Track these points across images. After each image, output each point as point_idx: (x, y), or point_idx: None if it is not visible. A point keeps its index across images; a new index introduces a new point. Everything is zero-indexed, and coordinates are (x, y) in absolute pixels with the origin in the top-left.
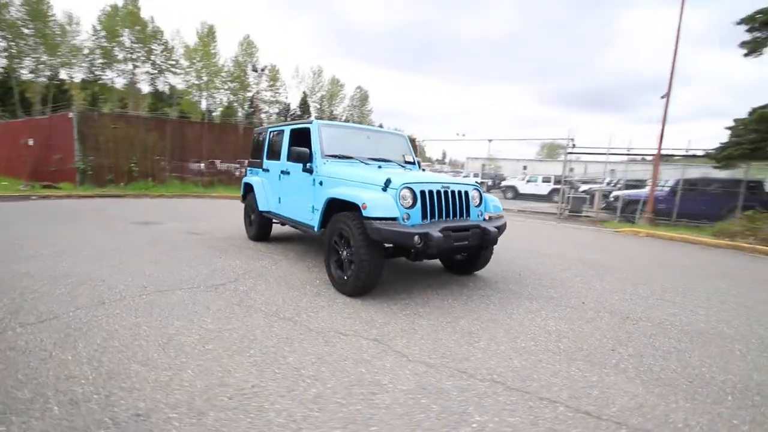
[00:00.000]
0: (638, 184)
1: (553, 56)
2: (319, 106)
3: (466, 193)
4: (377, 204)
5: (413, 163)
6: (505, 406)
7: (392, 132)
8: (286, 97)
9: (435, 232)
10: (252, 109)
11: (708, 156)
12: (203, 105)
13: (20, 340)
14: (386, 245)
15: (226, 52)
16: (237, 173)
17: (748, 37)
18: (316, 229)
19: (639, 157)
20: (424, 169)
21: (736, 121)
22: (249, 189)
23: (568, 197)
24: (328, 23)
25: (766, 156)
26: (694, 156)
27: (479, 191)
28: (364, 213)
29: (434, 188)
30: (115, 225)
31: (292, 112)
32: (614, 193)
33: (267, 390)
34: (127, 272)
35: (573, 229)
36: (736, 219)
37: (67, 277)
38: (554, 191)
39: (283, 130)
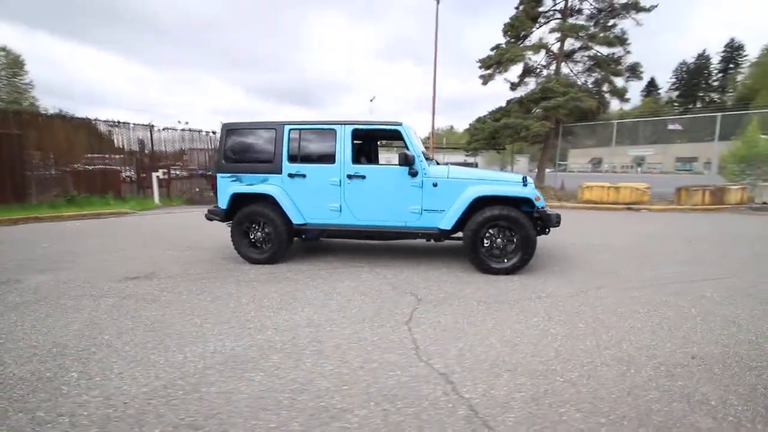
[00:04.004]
0: None
1: (258, 48)
2: None
3: None
4: (540, 197)
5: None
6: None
7: None
8: None
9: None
10: None
11: (463, 148)
12: None
13: None
14: None
15: None
16: None
17: (482, 72)
18: (445, 228)
19: None
20: None
21: (472, 125)
22: (242, 202)
23: None
24: None
25: (492, 148)
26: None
27: None
28: (538, 204)
29: None
30: None
31: None
32: None
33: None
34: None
35: None
36: None
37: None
38: None
39: (333, 129)
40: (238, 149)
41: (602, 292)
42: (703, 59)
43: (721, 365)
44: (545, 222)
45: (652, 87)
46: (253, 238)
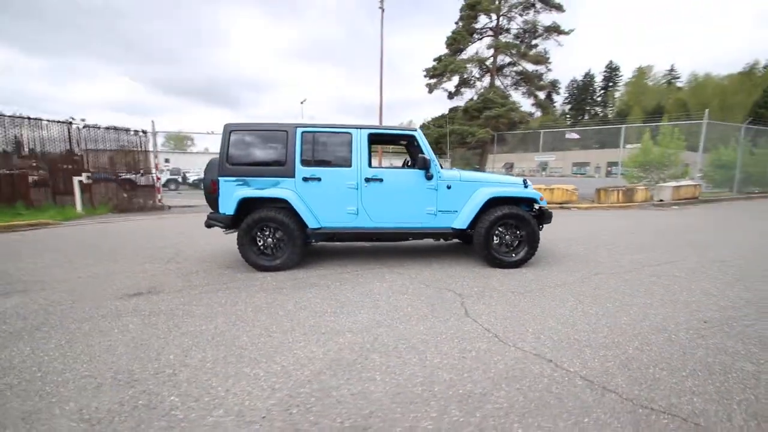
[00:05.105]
0: None
1: (165, 41)
2: None
3: None
4: (543, 197)
5: None
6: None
7: None
8: None
9: None
10: None
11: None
12: None
13: None
14: None
15: None
16: None
17: (428, 81)
18: (460, 227)
19: None
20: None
21: None
22: (248, 207)
23: None
24: None
25: (435, 153)
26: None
27: None
28: (542, 203)
29: None
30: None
31: None
32: None
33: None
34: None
35: None
36: None
37: None
38: None
39: (348, 133)
40: (243, 152)
41: (601, 278)
42: (588, 77)
43: (727, 326)
44: (543, 219)
45: (548, 100)
46: (263, 244)
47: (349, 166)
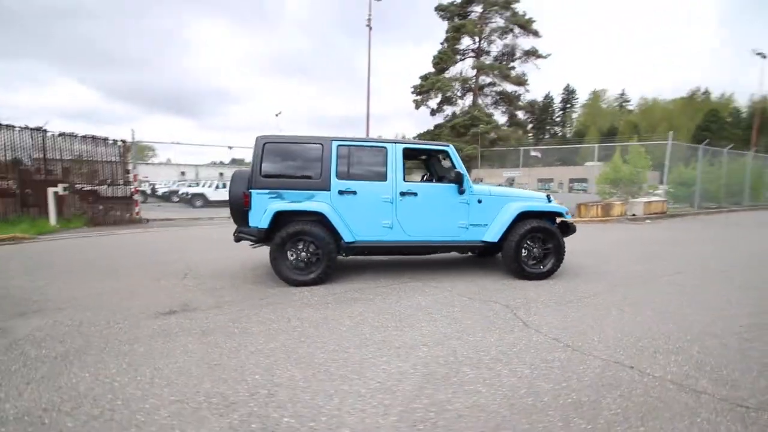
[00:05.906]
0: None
1: (123, 47)
2: None
3: None
4: (569, 210)
5: None
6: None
7: None
8: None
9: None
10: None
11: None
12: None
13: None
14: None
15: None
16: None
17: (415, 97)
18: (491, 240)
19: None
20: None
21: None
22: (279, 221)
23: None
24: None
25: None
26: None
27: None
28: (567, 217)
29: None
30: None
31: None
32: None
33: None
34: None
35: None
36: None
37: None
38: None
39: (383, 148)
40: (277, 164)
41: (627, 288)
42: (548, 99)
43: (766, 328)
44: (567, 232)
45: (523, 119)
46: (296, 258)
47: (384, 180)
